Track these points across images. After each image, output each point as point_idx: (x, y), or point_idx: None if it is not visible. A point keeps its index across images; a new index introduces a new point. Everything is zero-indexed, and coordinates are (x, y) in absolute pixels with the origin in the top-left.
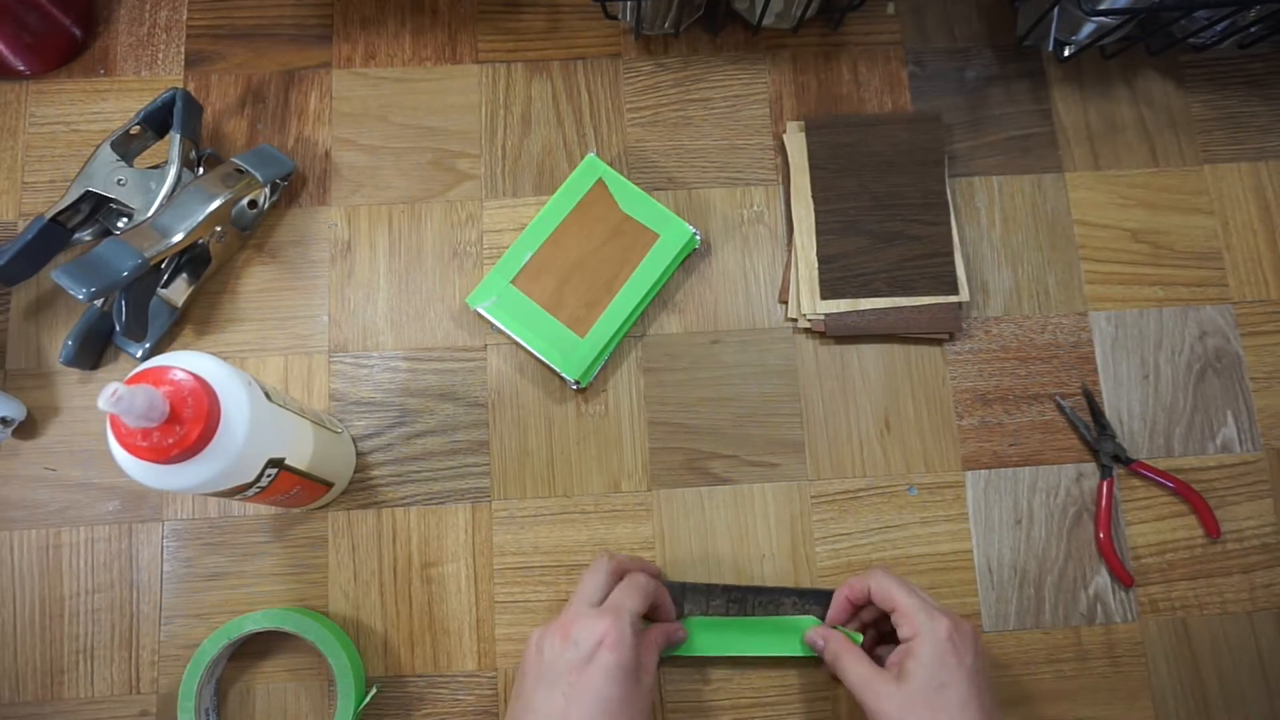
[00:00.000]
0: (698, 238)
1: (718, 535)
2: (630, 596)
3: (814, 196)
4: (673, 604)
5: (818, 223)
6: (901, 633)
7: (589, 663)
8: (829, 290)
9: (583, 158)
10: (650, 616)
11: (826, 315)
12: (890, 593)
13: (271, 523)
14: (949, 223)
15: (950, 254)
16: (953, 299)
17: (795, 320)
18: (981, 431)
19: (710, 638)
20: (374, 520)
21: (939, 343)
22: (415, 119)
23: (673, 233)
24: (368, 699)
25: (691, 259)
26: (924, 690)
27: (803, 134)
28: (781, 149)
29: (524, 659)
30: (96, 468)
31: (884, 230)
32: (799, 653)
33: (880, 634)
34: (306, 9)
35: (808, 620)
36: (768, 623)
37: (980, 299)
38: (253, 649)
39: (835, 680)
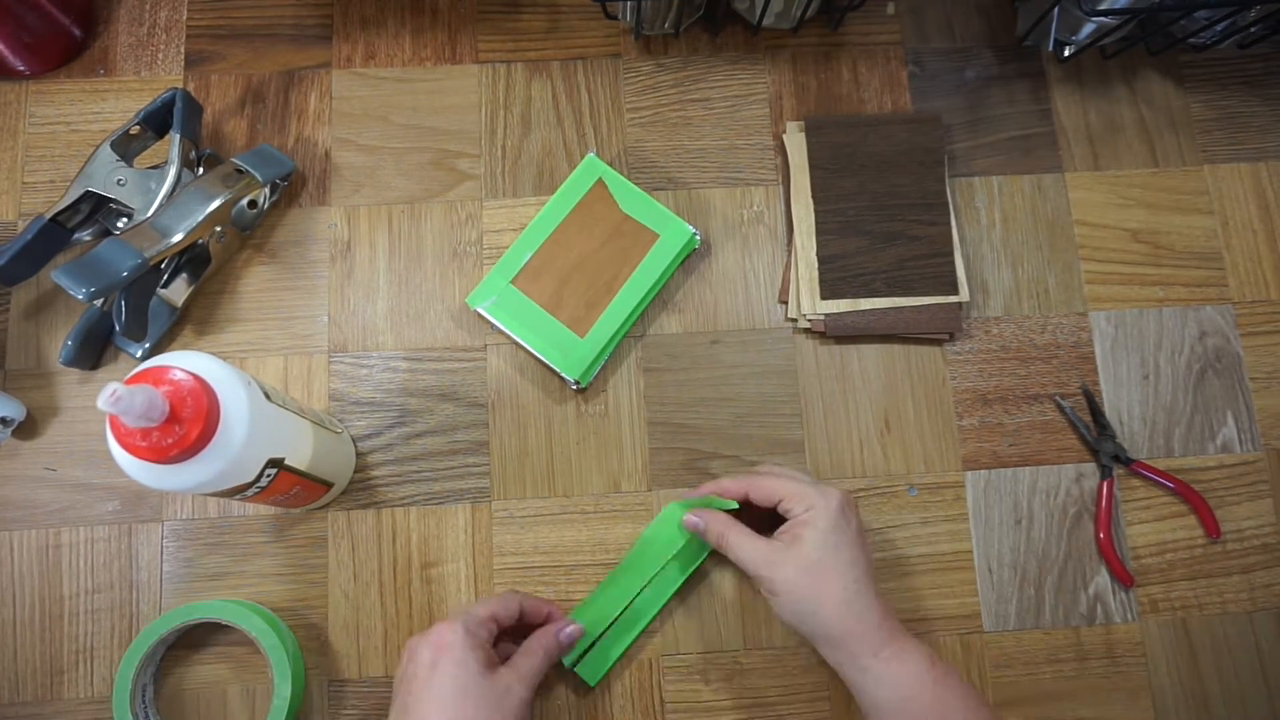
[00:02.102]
0: (698, 237)
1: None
2: (476, 605)
3: (814, 196)
4: (548, 608)
5: (818, 222)
6: (793, 512)
7: (431, 670)
8: (829, 290)
9: (583, 158)
10: (528, 627)
11: (826, 315)
12: (774, 487)
13: (271, 523)
14: (949, 223)
15: (950, 254)
16: (953, 299)
17: (795, 320)
18: (981, 431)
19: (599, 605)
20: (374, 520)
21: (939, 343)
22: (415, 119)
23: (672, 233)
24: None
25: (691, 259)
26: (819, 552)
27: (802, 134)
28: (781, 149)
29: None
30: (96, 468)
31: (884, 230)
32: (681, 544)
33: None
34: (306, 9)
35: (677, 509)
36: (640, 547)
37: (980, 299)
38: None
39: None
